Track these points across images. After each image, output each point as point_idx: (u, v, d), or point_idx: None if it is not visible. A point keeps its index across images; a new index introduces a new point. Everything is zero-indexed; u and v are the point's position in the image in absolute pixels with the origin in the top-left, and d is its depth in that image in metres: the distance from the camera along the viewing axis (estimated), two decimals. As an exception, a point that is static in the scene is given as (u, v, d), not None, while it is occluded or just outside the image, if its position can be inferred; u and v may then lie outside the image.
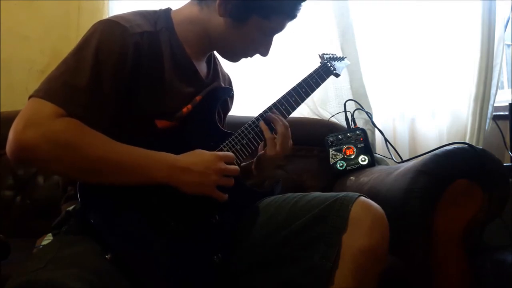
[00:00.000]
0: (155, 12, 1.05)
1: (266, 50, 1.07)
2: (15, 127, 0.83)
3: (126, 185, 0.88)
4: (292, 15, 1.03)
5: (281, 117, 1.09)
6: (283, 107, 1.11)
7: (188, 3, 1.07)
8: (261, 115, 1.09)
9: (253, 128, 1.07)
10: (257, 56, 1.09)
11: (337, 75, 1.25)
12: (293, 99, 1.12)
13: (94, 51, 0.90)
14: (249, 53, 1.08)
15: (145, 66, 0.95)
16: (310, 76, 1.17)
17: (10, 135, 0.83)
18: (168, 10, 1.06)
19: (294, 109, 1.13)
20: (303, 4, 1.03)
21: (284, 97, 1.12)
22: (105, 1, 1.77)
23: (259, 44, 1.05)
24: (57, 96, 0.86)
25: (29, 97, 0.87)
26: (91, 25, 0.96)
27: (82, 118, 0.86)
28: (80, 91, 0.87)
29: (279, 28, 1.04)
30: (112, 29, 0.93)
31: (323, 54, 1.27)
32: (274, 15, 0.99)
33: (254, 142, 1.06)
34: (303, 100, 1.14)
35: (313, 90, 1.16)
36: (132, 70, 0.93)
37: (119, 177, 0.88)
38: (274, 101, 1.12)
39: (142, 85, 0.96)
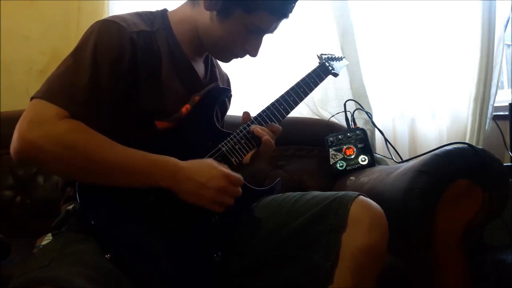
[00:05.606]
0: (151, 13, 1.05)
1: (254, 50, 1.04)
2: (19, 127, 0.84)
3: (128, 187, 0.88)
4: (279, 14, 0.99)
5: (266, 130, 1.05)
6: (282, 106, 1.11)
7: (183, 4, 1.07)
8: (258, 116, 1.09)
9: (251, 128, 1.07)
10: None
11: (335, 75, 1.25)
12: (292, 98, 1.13)
13: (92, 50, 0.91)
14: (236, 52, 1.05)
15: (143, 64, 0.95)
16: (308, 76, 1.18)
17: (14, 135, 0.84)
18: (165, 11, 1.06)
19: (292, 108, 1.13)
20: (292, 3, 1.00)
21: (282, 96, 1.13)
22: (105, 1, 1.76)
23: (245, 42, 1.02)
24: (58, 97, 0.86)
25: (31, 99, 0.88)
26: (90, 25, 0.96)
27: (83, 117, 0.87)
28: (79, 89, 0.88)
29: (265, 26, 1.00)
30: (109, 28, 0.94)
31: (321, 54, 1.28)
32: (258, 10, 0.96)
33: (253, 142, 1.06)
34: (301, 99, 1.15)
35: (311, 89, 1.17)
36: (131, 67, 0.93)
37: (121, 180, 0.88)
38: (273, 100, 1.12)
39: (141, 84, 0.96)
